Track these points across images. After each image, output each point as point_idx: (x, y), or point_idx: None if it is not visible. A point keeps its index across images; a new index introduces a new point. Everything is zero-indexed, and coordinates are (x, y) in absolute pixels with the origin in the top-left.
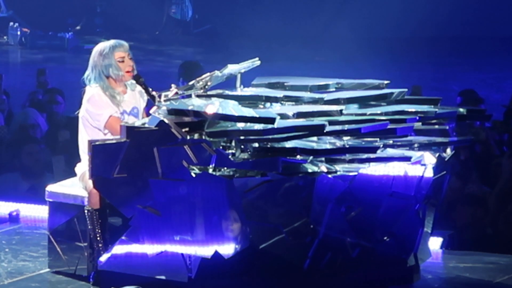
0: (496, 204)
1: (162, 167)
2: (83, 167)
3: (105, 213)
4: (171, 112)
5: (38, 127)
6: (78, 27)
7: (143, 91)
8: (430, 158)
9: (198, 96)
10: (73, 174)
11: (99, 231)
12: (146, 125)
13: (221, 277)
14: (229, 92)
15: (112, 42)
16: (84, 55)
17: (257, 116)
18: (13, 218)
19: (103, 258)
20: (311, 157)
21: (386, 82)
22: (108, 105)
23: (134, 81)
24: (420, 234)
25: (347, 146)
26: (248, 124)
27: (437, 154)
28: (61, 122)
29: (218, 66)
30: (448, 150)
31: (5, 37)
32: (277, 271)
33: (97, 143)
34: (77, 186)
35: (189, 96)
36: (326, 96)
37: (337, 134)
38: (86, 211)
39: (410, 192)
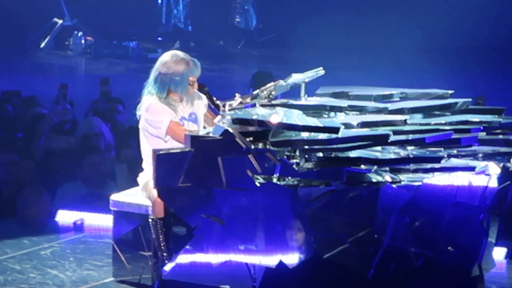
0: None
1: (226, 176)
2: (145, 176)
3: (169, 222)
4: (236, 121)
5: (102, 136)
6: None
7: (201, 95)
8: (494, 168)
9: (263, 105)
10: (136, 183)
11: (163, 240)
12: (211, 134)
13: (286, 287)
14: (293, 101)
15: (190, 61)
16: (147, 64)
17: (322, 125)
18: (78, 227)
19: (168, 267)
20: (375, 167)
21: (450, 91)
22: (167, 111)
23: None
24: (484, 244)
25: (411, 156)
26: (312, 133)
27: (501, 164)
28: (123, 131)
29: (282, 76)
30: None
31: (69, 46)
32: (341, 281)
33: (161, 152)
34: (141, 194)
35: (254, 105)
36: (390, 106)
37: (401, 143)
38: (150, 220)
39: (474, 202)
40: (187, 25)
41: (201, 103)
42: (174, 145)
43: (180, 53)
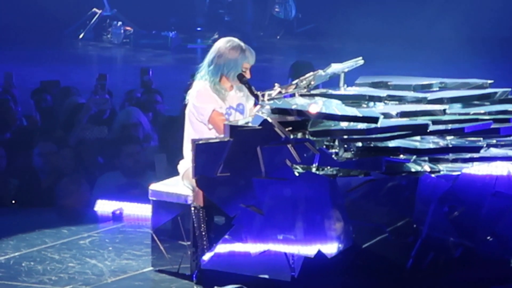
0: None
1: (265, 166)
2: (187, 164)
3: (212, 211)
4: (275, 111)
5: (140, 126)
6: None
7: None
8: None
9: (302, 95)
10: (175, 173)
11: (205, 229)
12: (250, 124)
13: (324, 276)
14: (332, 91)
15: (247, 49)
16: (187, 54)
17: (360, 115)
18: (117, 217)
19: (206, 257)
20: (414, 157)
21: (489, 81)
22: (214, 100)
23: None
24: None
25: (450, 146)
26: (351, 123)
27: None
28: (162, 121)
29: (322, 66)
30: None
31: (108, 36)
32: (380, 270)
33: (200, 142)
34: (180, 184)
35: (293, 95)
36: (430, 96)
37: (440, 133)
38: (192, 209)
39: None
40: (227, 15)
41: (250, 98)
42: (218, 134)
43: (236, 40)
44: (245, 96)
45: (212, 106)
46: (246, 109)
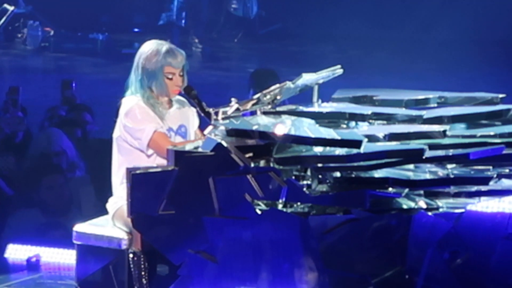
0: None
1: (220, 202)
2: (118, 201)
3: (152, 258)
4: (231, 133)
5: (64, 154)
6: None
7: (195, 109)
8: None
9: (265, 113)
10: (106, 210)
11: (147, 280)
12: (200, 149)
13: None
14: (303, 108)
15: (165, 47)
16: (122, 61)
17: (339, 138)
18: (32, 265)
19: None
20: (406, 190)
21: (501, 96)
22: (152, 118)
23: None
24: None
25: (452, 176)
26: (328, 148)
27: None
28: (91, 146)
29: (290, 76)
30: None
31: (23, 39)
32: None
33: (137, 171)
34: (112, 225)
35: (254, 113)
36: (426, 114)
37: (440, 161)
38: (131, 255)
39: None
40: (170, 13)
41: (193, 115)
42: (158, 162)
43: (156, 40)
44: (187, 115)
45: (152, 127)
46: (189, 133)
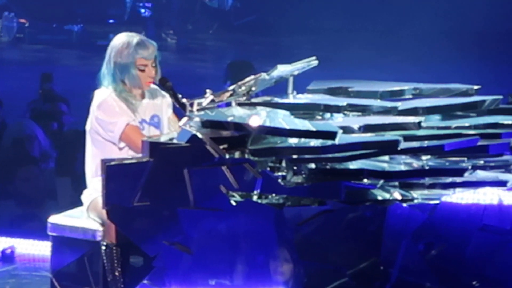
0: None
1: (194, 194)
2: (92, 193)
3: (127, 249)
4: (206, 124)
5: (35, 139)
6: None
7: (167, 96)
8: None
9: (240, 104)
10: (81, 201)
11: (119, 272)
12: (174, 141)
13: None
14: (278, 99)
15: (136, 39)
16: (96, 52)
17: (314, 129)
18: (7, 257)
19: None
20: (381, 181)
21: (476, 87)
22: (124, 112)
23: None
24: None
25: (427, 168)
26: (303, 139)
27: None
28: (67, 137)
29: (265, 67)
30: None
31: None
32: None
33: (112, 163)
34: (87, 216)
35: (229, 104)
36: (401, 105)
37: (415, 152)
38: (103, 248)
39: (506, 225)
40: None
41: (166, 104)
42: (131, 154)
43: (127, 33)
44: (159, 105)
45: (124, 120)
46: (162, 122)
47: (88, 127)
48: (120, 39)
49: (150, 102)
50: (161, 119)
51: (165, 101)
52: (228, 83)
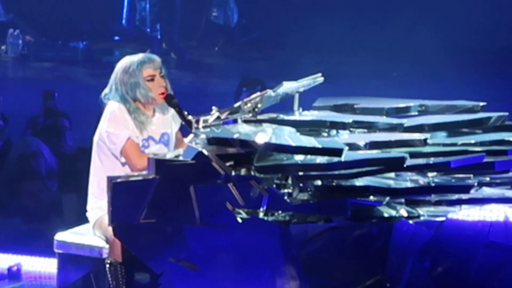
0: None
1: (200, 211)
2: (97, 210)
3: (133, 267)
4: (212, 141)
5: (41, 156)
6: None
7: (176, 114)
8: None
9: (246, 121)
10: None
11: None
12: (180, 158)
13: None
14: (284, 116)
15: (140, 56)
16: (102, 70)
17: (320, 146)
18: (13, 274)
19: None
20: (387, 198)
21: (482, 104)
22: (127, 126)
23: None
24: None
25: (433, 185)
26: (309, 156)
27: None
28: (70, 153)
29: (271, 84)
30: None
31: (2, 47)
32: None
33: (118, 180)
34: (93, 234)
35: (235, 121)
36: (407, 122)
37: (421, 169)
38: (107, 265)
39: None
40: (152, 21)
41: (176, 122)
42: (130, 171)
43: (130, 56)
44: (172, 123)
45: (126, 134)
46: (171, 138)
47: (96, 137)
48: (124, 61)
49: (160, 120)
50: (171, 136)
51: (174, 117)
52: (244, 95)
